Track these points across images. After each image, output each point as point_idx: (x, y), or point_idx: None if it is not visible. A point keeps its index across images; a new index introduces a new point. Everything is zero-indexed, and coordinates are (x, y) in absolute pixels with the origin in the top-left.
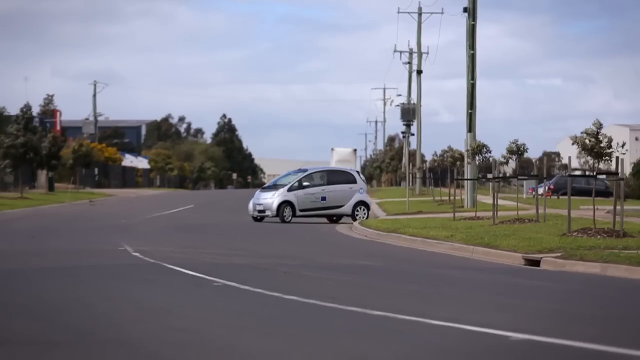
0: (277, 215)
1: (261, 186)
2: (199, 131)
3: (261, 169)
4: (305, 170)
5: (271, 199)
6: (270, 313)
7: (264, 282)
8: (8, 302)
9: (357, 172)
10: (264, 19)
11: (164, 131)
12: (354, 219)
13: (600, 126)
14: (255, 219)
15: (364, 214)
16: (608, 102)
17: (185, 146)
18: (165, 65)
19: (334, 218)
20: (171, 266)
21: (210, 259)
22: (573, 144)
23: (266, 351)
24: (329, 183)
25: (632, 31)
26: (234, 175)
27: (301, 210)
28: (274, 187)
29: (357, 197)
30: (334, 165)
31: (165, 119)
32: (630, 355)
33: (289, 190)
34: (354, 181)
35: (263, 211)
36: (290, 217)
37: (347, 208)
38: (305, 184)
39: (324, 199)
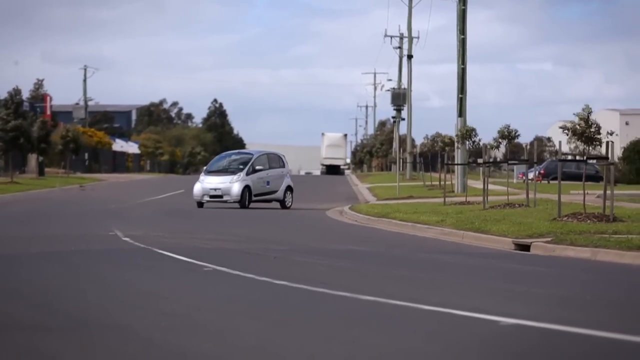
0: (239, 201)
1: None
2: (189, 116)
3: None
4: (239, 154)
5: (230, 183)
6: (260, 298)
7: (254, 267)
8: None
9: (283, 155)
10: (255, 4)
11: (155, 116)
12: (284, 205)
13: (590, 111)
14: (201, 204)
15: (290, 199)
16: (599, 86)
17: (176, 131)
18: (156, 50)
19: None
20: (161, 251)
21: (201, 244)
22: (563, 131)
23: (256, 336)
24: (270, 167)
25: (623, 15)
26: None
27: (255, 195)
28: (224, 170)
29: (286, 182)
30: (324, 150)
31: (158, 104)
32: (619, 340)
33: (247, 174)
34: (283, 165)
35: (220, 196)
36: (249, 202)
37: (280, 193)
38: (257, 167)
39: (268, 183)
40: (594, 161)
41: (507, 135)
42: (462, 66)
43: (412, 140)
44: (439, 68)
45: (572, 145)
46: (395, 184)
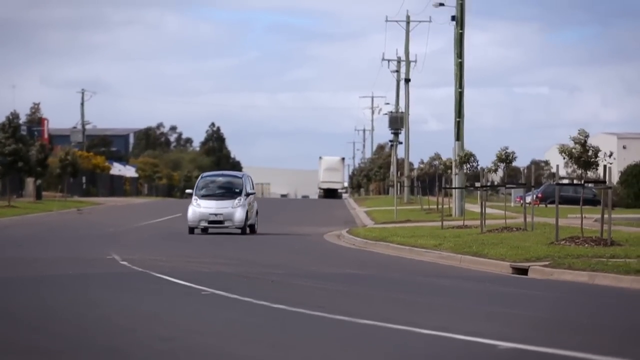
0: (242, 227)
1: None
2: (188, 140)
3: None
4: (225, 175)
5: (233, 208)
6: (258, 322)
7: (252, 291)
8: None
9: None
10: (253, 28)
11: (152, 140)
12: (253, 230)
13: (586, 135)
14: (192, 230)
15: (256, 223)
16: (596, 110)
17: (173, 155)
18: (153, 74)
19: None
20: (159, 275)
21: (199, 268)
22: (560, 153)
23: (254, 359)
24: (250, 192)
25: (619, 39)
26: None
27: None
28: (221, 195)
29: (255, 206)
30: (322, 174)
31: (155, 128)
32: None
33: (245, 198)
34: (253, 187)
35: (221, 222)
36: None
37: (253, 219)
38: (249, 191)
39: (254, 207)
40: (592, 185)
41: (505, 158)
42: (459, 90)
43: (410, 164)
44: (436, 92)
45: (570, 169)
46: (393, 207)
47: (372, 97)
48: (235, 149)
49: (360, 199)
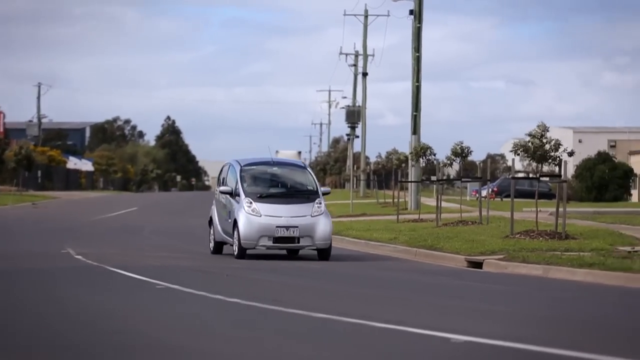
0: (326, 248)
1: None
2: (142, 134)
3: (205, 172)
4: (270, 164)
5: (313, 217)
6: (212, 315)
7: (206, 284)
8: None
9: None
10: (210, 22)
11: (109, 134)
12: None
13: (545, 129)
14: (243, 252)
15: None
16: (551, 105)
17: (129, 148)
18: (111, 68)
19: None
20: (114, 269)
21: (154, 262)
22: (515, 148)
23: (207, 353)
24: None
25: (575, 34)
26: (178, 178)
27: None
28: (290, 195)
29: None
30: None
31: (111, 121)
32: (568, 356)
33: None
34: None
35: (293, 239)
36: None
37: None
38: (324, 191)
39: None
40: (547, 179)
41: (461, 152)
42: (416, 84)
43: (366, 158)
44: (393, 86)
45: (526, 163)
46: (349, 201)
47: (330, 91)
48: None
49: None
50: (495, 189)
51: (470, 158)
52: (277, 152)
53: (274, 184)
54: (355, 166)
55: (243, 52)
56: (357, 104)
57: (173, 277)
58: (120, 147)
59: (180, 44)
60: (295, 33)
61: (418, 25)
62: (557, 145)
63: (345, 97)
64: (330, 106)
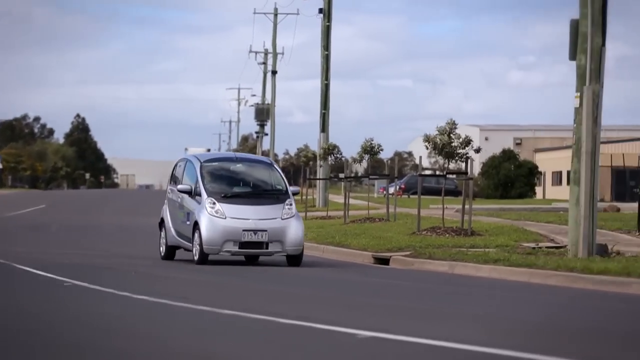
0: (297, 254)
1: (107, 186)
2: (52, 131)
3: (114, 169)
4: (233, 160)
5: (284, 220)
6: (119, 312)
7: (115, 282)
8: None
9: None
10: (120, 20)
11: (17, 131)
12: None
13: (453, 125)
14: (205, 257)
15: None
16: (458, 103)
17: (38, 146)
18: (19, 65)
19: None
20: (21, 266)
21: (62, 259)
22: (425, 142)
23: (113, 350)
24: (295, 191)
25: (481, 34)
26: (87, 176)
27: None
28: (256, 194)
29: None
30: None
31: (20, 119)
32: (474, 352)
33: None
34: None
35: (261, 244)
36: None
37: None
38: (294, 190)
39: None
40: (454, 176)
41: (370, 149)
42: (325, 82)
43: (275, 155)
44: (303, 84)
45: (433, 160)
46: None
47: (239, 89)
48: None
49: None
50: (402, 186)
51: (379, 155)
52: (186, 149)
53: (239, 183)
54: None
55: (153, 50)
56: (266, 102)
57: (81, 275)
58: (29, 145)
59: (89, 42)
60: (206, 31)
61: (327, 23)
62: (467, 142)
63: (254, 95)
64: (239, 104)
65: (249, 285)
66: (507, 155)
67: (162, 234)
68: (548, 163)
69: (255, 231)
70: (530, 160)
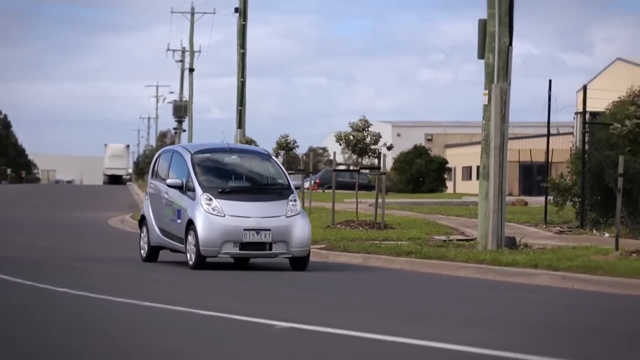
0: (304, 256)
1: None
2: None
3: (35, 164)
4: (227, 152)
5: (288, 218)
6: (39, 305)
7: (36, 275)
8: None
9: None
10: (40, 18)
11: None
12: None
13: (366, 122)
14: (202, 260)
15: None
16: (370, 100)
17: None
18: None
19: None
20: None
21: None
22: (337, 140)
23: (33, 341)
24: (297, 186)
25: (392, 32)
26: (9, 171)
27: None
28: (257, 189)
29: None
30: (107, 160)
31: None
32: (380, 340)
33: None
34: None
35: (264, 245)
36: None
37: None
38: (296, 185)
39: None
40: (367, 171)
41: (285, 146)
42: (241, 79)
43: None
44: (220, 81)
45: (347, 156)
46: None
47: (157, 87)
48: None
49: (144, 185)
50: (317, 181)
51: (294, 151)
52: (105, 145)
53: (236, 177)
54: None
55: (72, 47)
56: (184, 99)
57: (2, 268)
58: None
59: (10, 40)
60: (125, 30)
61: (243, 23)
62: (378, 138)
63: (172, 92)
64: (158, 101)
65: (167, 278)
66: (419, 151)
67: (143, 233)
68: (458, 158)
69: (257, 230)
70: (441, 156)
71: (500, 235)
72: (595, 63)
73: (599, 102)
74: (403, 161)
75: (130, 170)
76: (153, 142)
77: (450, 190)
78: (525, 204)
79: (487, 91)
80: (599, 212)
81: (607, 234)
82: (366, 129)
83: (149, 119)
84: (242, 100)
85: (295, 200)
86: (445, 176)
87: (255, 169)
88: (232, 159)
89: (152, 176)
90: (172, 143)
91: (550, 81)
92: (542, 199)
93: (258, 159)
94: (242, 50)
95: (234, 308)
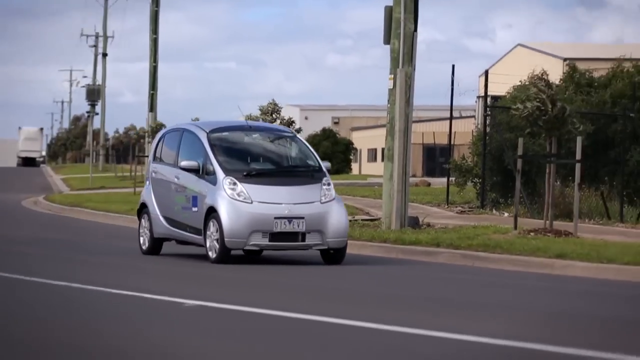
0: (341, 247)
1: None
2: None
3: None
4: (245, 129)
5: (323, 204)
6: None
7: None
8: None
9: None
10: None
11: None
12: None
13: (276, 106)
14: (227, 253)
15: None
16: (279, 84)
17: None
18: None
19: None
20: None
21: None
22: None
23: None
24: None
25: (301, 19)
26: None
27: None
28: (285, 171)
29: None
30: (21, 143)
31: None
32: (258, 313)
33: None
34: None
35: (298, 235)
36: None
37: None
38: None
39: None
40: None
41: None
42: (153, 64)
43: (106, 134)
44: (132, 66)
45: None
46: (88, 175)
47: (71, 71)
48: None
49: (58, 167)
50: None
51: None
52: (19, 128)
53: (261, 158)
54: (95, 142)
55: None
56: (97, 83)
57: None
58: None
59: None
60: (39, 15)
61: (155, 8)
62: (289, 122)
63: (86, 77)
64: (71, 85)
65: (75, 257)
66: (327, 134)
67: (144, 222)
68: (364, 141)
69: (290, 219)
70: (347, 138)
71: (403, 215)
72: (497, 49)
73: (500, 87)
74: (310, 143)
75: (44, 153)
76: (67, 125)
77: (355, 171)
78: (429, 184)
79: (392, 76)
80: (498, 192)
81: (506, 214)
82: (275, 112)
83: (62, 102)
84: (154, 84)
85: (329, 184)
86: (351, 158)
87: (281, 150)
88: (253, 139)
89: (154, 159)
90: (85, 126)
91: (453, 66)
92: (445, 180)
93: (282, 138)
94: (155, 36)
95: (142, 287)
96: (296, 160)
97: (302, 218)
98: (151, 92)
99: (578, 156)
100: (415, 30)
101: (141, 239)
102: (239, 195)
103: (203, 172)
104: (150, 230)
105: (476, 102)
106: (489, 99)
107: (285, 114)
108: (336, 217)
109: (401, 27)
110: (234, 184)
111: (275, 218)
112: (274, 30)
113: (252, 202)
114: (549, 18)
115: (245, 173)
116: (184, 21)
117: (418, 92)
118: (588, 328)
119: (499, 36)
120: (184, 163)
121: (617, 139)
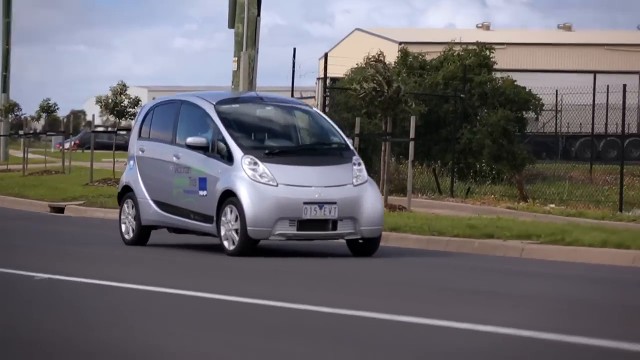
0: (376, 237)
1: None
2: None
3: None
4: (260, 102)
5: (356, 187)
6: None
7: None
8: None
9: None
10: None
11: None
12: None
13: (124, 87)
14: (254, 243)
15: None
16: (129, 66)
17: None
18: None
19: None
20: None
21: None
22: (97, 103)
23: None
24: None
25: (149, 4)
26: None
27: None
28: (310, 151)
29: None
30: None
31: None
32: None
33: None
34: None
35: (328, 223)
36: None
37: None
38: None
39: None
40: (125, 132)
41: (47, 108)
42: (6, 47)
43: None
44: None
45: (105, 119)
46: None
47: None
48: None
49: None
50: (77, 142)
51: (55, 114)
52: None
53: (279, 135)
54: None
55: None
56: None
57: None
58: None
59: None
60: None
61: None
62: (137, 102)
63: None
64: None
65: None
66: None
67: (127, 208)
68: None
69: (320, 204)
70: None
71: None
72: (336, 33)
73: (338, 69)
74: None
75: None
76: None
77: None
78: None
79: (236, 58)
80: None
81: None
82: (124, 93)
83: None
84: (7, 66)
85: (360, 164)
86: None
87: (300, 124)
88: (267, 112)
89: (139, 136)
90: None
91: (294, 49)
92: None
93: (299, 112)
94: (7, 20)
95: (27, 265)
96: (319, 136)
97: (335, 203)
98: (4, 73)
99: (412, 135)
100: (259, 15)
101: (123, 226)
102: (261, 176)
103: (215, 150)
104: (137, 218)
105: (316, 83)
106: (328, 81)
107: (133, 94)
108: (371, 202)
109: (245, 11)
110: (255, 163)
111: (305, 203)
112: (123, 15)
113: (277, 185)
114: (386, 4)
115: (267, 151)
116: (37, 5)
117: (261, 74)
118: (408, 293)
119: (338, 21)
120: (190, 140)
121: (448, 119)
